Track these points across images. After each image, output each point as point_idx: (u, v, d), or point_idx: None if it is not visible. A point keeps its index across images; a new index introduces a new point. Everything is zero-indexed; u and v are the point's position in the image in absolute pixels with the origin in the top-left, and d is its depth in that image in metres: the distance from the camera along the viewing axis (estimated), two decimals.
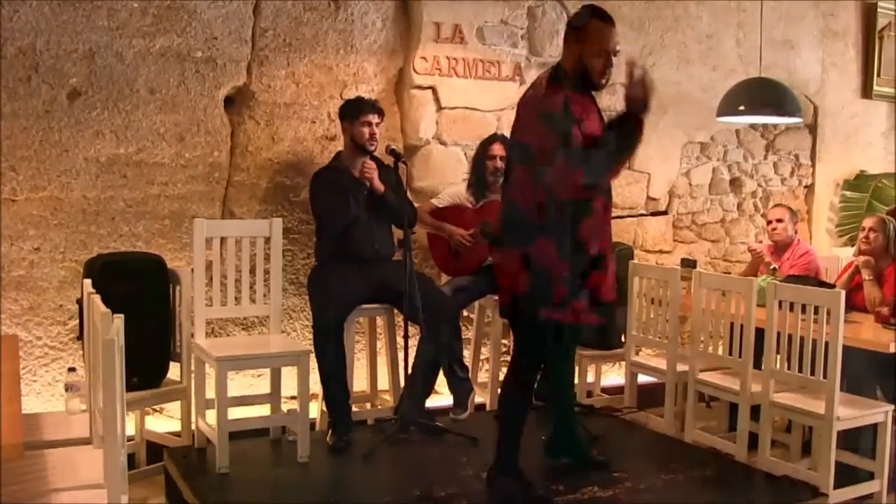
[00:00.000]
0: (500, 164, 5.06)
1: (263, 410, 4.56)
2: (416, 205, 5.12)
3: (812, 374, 4.07)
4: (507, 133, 5.34)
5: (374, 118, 4.67)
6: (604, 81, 3.56)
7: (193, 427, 4.34)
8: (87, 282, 3.60)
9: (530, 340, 3.70)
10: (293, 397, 4.45)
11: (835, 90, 7.05)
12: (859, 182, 6.98)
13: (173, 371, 4.39)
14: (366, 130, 4.64)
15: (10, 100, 4.43)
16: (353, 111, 4.68)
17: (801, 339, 4.12)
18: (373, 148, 4.68)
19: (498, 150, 5.10)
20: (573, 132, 3.36)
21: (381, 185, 4.63)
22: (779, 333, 4.26)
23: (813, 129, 6.99)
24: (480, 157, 5.17)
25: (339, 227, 4.66)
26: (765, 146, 6.83)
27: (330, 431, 4.40)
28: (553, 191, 3.37)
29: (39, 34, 4.47)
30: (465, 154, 5.51)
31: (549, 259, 3.43)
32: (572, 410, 4.25)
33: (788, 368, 4.22)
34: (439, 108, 5.45)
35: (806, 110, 6.65)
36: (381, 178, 4.70)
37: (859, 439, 4.36)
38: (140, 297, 4.19)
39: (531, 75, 5.73)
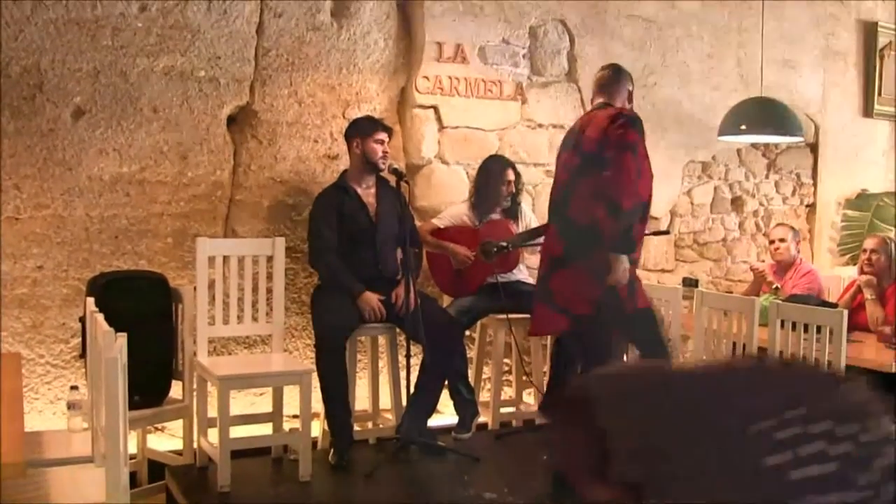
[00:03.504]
0: (512, 188, 5.14)
1: (265, 429, 4.56)
2: (417, 223, 5.13)
3: None
4: (509, 153, 5.43)
5: (385, 136, 4.70)
6: None
7: (195, 445, 4.33)
8: (90, 300, 3.61)
9: (602, 351, 3.92)
10: (295, 416, 4.45)
11: (836, 109, 7.06)
12: (861, 201, 6.97)
13: (175, 389, 4.39)
14: (379, 148, 4.65)
15: (14, 118, 4.46)
16: (367, 129, 4.68)
17: (804, 358, 4.11)
18: (384, 166, 4.69)
19: (510, 175, 5.14)
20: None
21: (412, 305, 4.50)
22: (781, 353, 4.25)
23: (814, 148, 7.00)
24: (494, 180, 5.16)
25: (315, 264, 4.75)
26: (766, 165, 6.84)
27: (332, 450, 4.39)
28: (640, 189, 3.76)
29: (44, 53, 4.49)
30: (467, 173, 5.52)
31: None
32: None
33: None
34: (441, 128, 5.47)
35: (807, 129, 6.66)
36: (386, 197, 4.71)
37: None
38: (142, 315, 4.18)
39: (533, 95, 5.76)
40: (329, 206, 4.64)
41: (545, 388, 5.15)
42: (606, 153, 3.74)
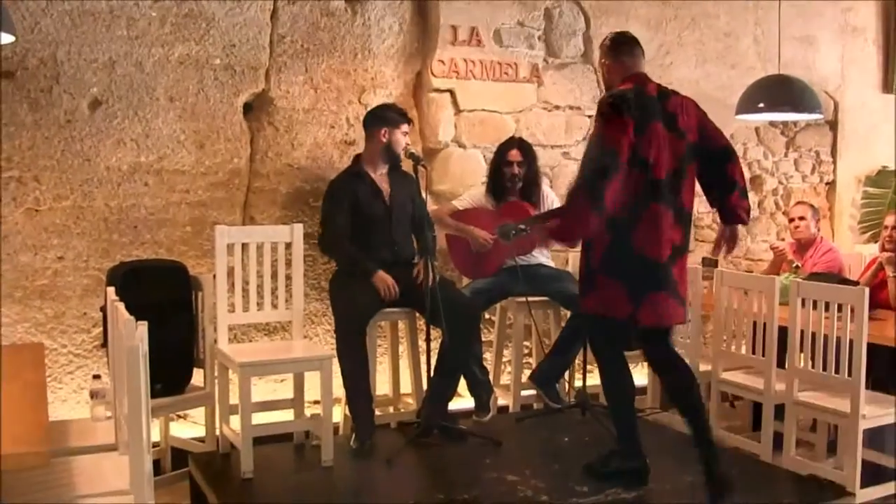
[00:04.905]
0: (517, 170, 5.09)
1: (287, 415, 4.58)
2: (435, 207, 5.13)
3: (836, 372, 4.04)
4: (526, 136, 5.40)
5: (408, 128, 4.78)
6: None
7: (218, 432, 4.36)
8: (111, 289, 3.62)
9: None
10: (316, 402, 4.47)
11: (855, 86, 6.99)
12: (881, 178, 6.91)
13: (197, 377, 4.42)
14: (403, 140, 4.69)
15: (32, 110, 4.48)
16: (395, 119, 4.70)
17: (825, 337, 4.09)
18: (403, 158, 4.72)
19: (515, 156, 5.10)
20: None
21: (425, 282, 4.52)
22: (802, 332, 4.23)
23: (833, 125, 6.94)
24: (498, 163, 5.16)
25: (327, 250, 4.78)
26: (785, 143, 6.79)
27: (353, 435, 4.41)
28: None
29: (60, 45, 4.51)
30: (485, 156, 5.51)
31: None
32: None
33: (812, 367, 4.19)
34: (458, 111, 5.46)
35: (826, 106, 6.61)
36: (398, 182, 4.72)
37: (885, 437, 4.33)
38: (163, 303, 4.21)
39: (549, 77, 5.73)
40: (343, 192, 4.65)
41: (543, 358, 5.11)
42: (718, 141, 3.94)
